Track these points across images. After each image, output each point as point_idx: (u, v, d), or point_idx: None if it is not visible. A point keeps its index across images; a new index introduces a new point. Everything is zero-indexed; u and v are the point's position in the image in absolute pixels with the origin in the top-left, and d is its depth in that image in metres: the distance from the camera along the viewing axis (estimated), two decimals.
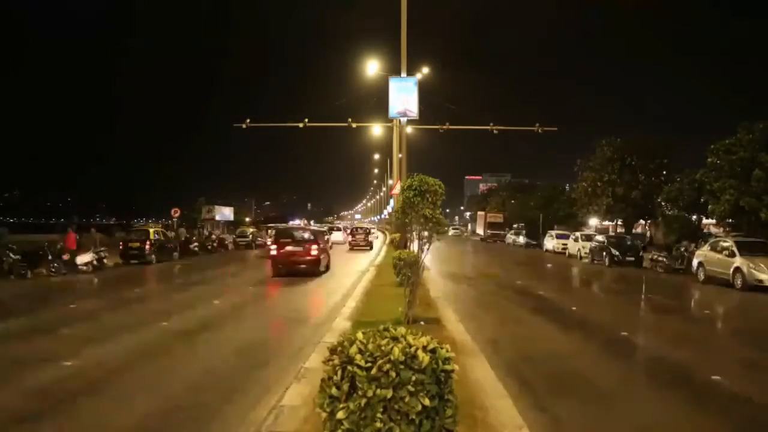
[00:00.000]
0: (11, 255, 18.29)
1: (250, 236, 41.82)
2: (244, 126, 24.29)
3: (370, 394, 2.71)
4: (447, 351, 2.92)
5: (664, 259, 24.59)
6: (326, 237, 29.06)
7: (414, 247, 9.52)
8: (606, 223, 49.13)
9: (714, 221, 34.60)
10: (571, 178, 55.28)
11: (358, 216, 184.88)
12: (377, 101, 21.97)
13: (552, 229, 45.04)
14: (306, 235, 19.32)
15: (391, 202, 34.74)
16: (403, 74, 19.35)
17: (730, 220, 30.73)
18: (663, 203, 37.92)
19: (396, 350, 2.79)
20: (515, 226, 56.59)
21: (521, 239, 49.68)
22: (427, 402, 2.74)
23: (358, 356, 2.81)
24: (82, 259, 20.38)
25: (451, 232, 77.10)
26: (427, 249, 8.90)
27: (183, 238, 31.34)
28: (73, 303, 12.63)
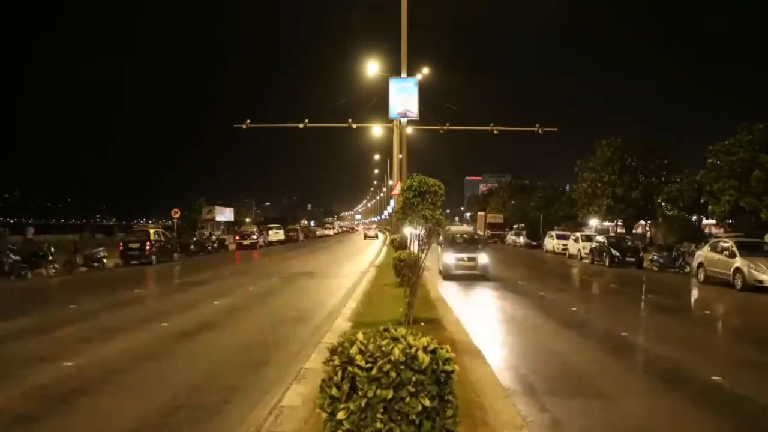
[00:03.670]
0: (11, 255, 18.31)
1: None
2: (244, 126, 24.26)
3: (370, 394, 2.71)
4: (447, 351, 2.92)
5: (661, 260, 24.61)
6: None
7: (414, 247, 9.51)
8: (606, 223, 49.13)
9: (714, 222, 34.64)
10: (571, 179, 55.38)
11: (358, 216, 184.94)
12: (377, 102, 21.95)
13: (552, 229, 45.03)
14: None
15: (392, 202, 34.72)
16: (404, 75, 19.33)
17: (730, 221, 30.76)
18: (663, 204, 37.94)
19: (396, 351, 2.79)
20: (515, 226, 56.57)
21: (521, 240, 49.66)
22: (427, 402, 2.74)
23: (359, 357, 2.81)
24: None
25: None
26: (427, 249, 8.89)
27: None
28: (73, 303, 12.63)
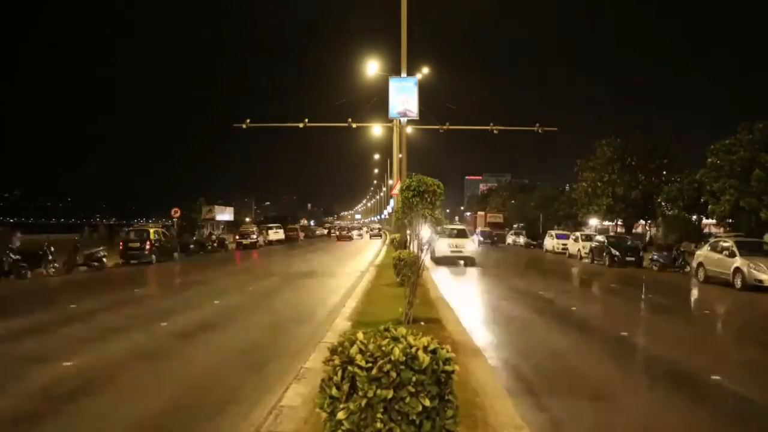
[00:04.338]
0: (11, 255, 18.29)
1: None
2: (244, 126, 24.25)
3: (370, 394, 2.71)
4: (447, 351, 2.92)
5: (661, 259, 24.63)
6: None
7: (414, 247, 9.52)
8: (606, 223, 49.15)
9: (714, 221, 34.64)
10: (571, 178, 55.39)
11: (358, 216, 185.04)
12: (377, 101, 21.95)
13: (552, 229, 45.03)
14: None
15: (391, 202, 34.74)
16: (403, 74, 19.32)
17: (730, 220, 30.78)
18: (663, 203, 37.94)
19: (396, 350, 2.79)
20: (515, 226, 56.62)
21: (521, 239, 49.70)
22: (427, 402, 2.74)
23: (359, 356, 2.80)
24: None
25: None
26: (427, 249, 8.90)
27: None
28: (73, 303, 12.62)
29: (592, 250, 29.20)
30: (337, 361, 2.86)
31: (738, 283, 17.12)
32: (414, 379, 2.75)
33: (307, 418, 4.76)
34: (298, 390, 5.59)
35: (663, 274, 23.35)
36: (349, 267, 23.59)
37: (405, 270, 9.86)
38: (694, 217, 36.38)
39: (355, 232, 68.86)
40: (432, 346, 2.90)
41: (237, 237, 42.00)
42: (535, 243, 45.74)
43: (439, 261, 23.73)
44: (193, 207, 52.84)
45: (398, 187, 16.10)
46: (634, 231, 46.54)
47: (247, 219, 68.90)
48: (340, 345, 2.93)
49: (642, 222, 47.24)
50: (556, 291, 16.75)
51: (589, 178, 43.75)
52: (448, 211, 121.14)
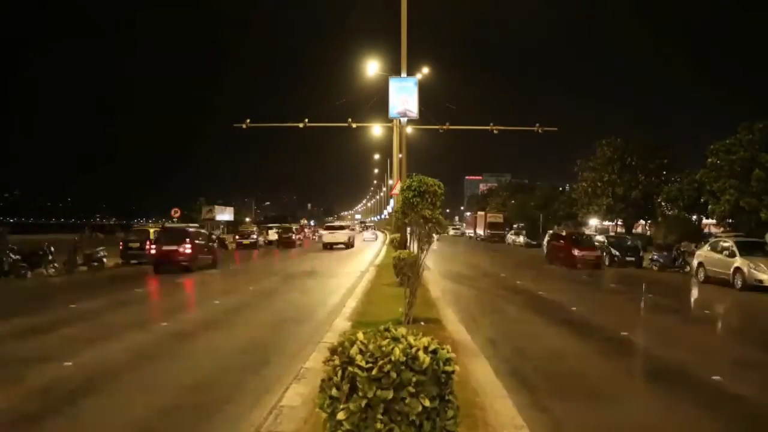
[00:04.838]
0: (11, 255, 18.29)
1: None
2: (244, 126, 24.24)
3: (370, 395, 2.71)
4: (448, 352, 2.91)
5: (661, 259, 24.63)
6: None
7: (414, 247, 9.51)
8: (606, 223, 49.13)
9: (714, 221, 34.63)
10: (571, 178, 55.35)
11: (358, 216, 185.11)
12: (377, 101, 21.94)
13: (552, 229, 45.00)
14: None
15: (391, 202, 34.72)
16: (403, 74, 19.31)
17: (730, 220, 30.76)
18: (663, 203, 37.91)
19: (397, 351, 2.78)
20: (515, 226, 56.60)
21: (521, 239, 49.69)
22: (427, 403, 2.73)
23: (359, 357, 2.80)
24: None
25: (451, 232, 77.35)
26: (427, 249, 8.89)
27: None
28: (74, 303, 12.62)
29: None
30: (337, 362, 2.85)
31: (738, 283, 17.13)
32: (414, 379, 2.74)
33: (307, 418, 4.76)
34: (298, 390, 5.59)
35: (663, 274, 23.36)
36: (349, 267, 23.59)
37: (405, 270, 9.85)
38: (694, 217, 36.38)
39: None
40: (432, 347, 2.89)
41: (237, 237, 42.00)
42: (534, 243, 45.71)
43: None
44: (193, 207, 52.92)
45: (398, 187, 16.09)
46: (633, 231, 46.50)
47: (247, 219, 68.98)
48: (340, 345, 2.92)
49: (642, 222, 47.23)
50: (555, 291, 16.75)
51: (589, 178, 43.72)
52: (448, 211, 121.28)
